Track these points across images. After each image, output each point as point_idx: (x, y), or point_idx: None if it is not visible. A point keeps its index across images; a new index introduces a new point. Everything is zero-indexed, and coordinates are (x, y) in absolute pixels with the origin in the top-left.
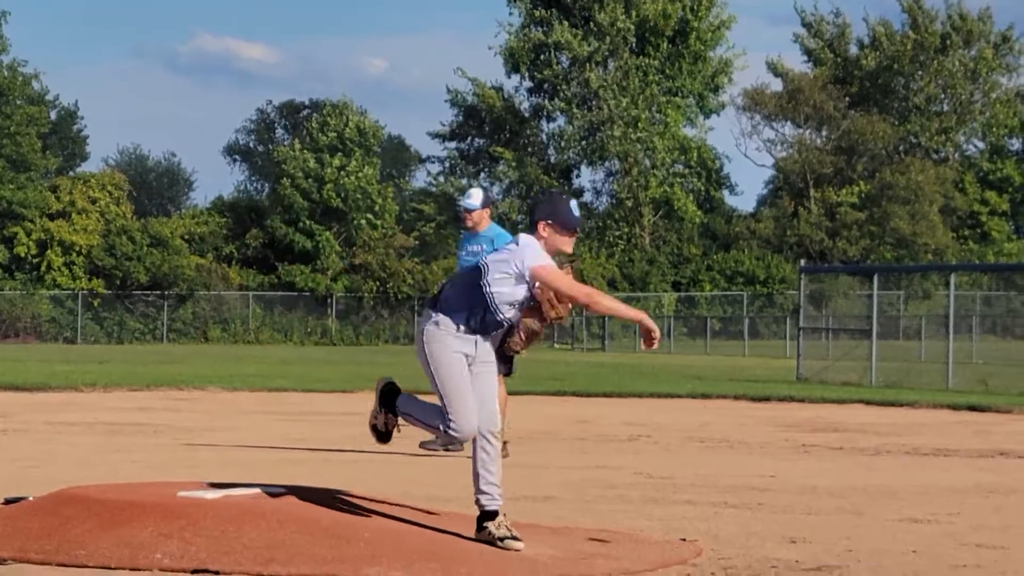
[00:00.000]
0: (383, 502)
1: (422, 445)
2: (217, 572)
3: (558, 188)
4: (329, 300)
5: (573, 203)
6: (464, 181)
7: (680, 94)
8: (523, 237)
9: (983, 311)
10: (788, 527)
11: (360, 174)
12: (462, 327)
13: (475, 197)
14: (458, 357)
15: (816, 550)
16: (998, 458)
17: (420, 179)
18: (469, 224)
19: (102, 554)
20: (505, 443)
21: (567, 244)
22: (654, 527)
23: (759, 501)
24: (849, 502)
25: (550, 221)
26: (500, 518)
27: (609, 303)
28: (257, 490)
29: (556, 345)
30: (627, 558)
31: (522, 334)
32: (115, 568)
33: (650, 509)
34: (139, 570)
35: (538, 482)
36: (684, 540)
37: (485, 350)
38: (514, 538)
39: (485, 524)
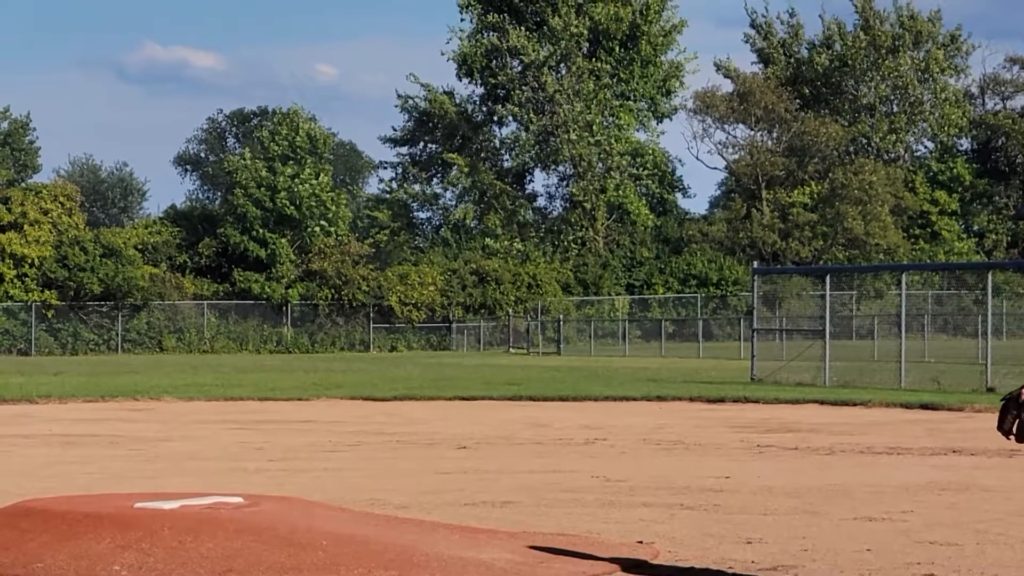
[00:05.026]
0: (341, 509)
1: None
2: None
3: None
4: (284, 308)
5: None
6: (417, 187)
7: (632, 98)
8: None
9: (934, 310)
10: (744, 527)
11: (313, 182)
12: None
13: None
14: None
15: (772, 550)
16: (951, 455)
17: (373, 186)
18: None
19: (60, 567)
20: None
21: None
22: (611, 530)
23: (715, 502)
24: (804, 502)
25: None
26: None
27: None
28: (214, 500)
29: (512, 349)
30: (585, 562)
31: None
32: None
33: (607, 512)
34: None
35: (496, 487)
36: (641, 542)
37: None
38: None
39: None
